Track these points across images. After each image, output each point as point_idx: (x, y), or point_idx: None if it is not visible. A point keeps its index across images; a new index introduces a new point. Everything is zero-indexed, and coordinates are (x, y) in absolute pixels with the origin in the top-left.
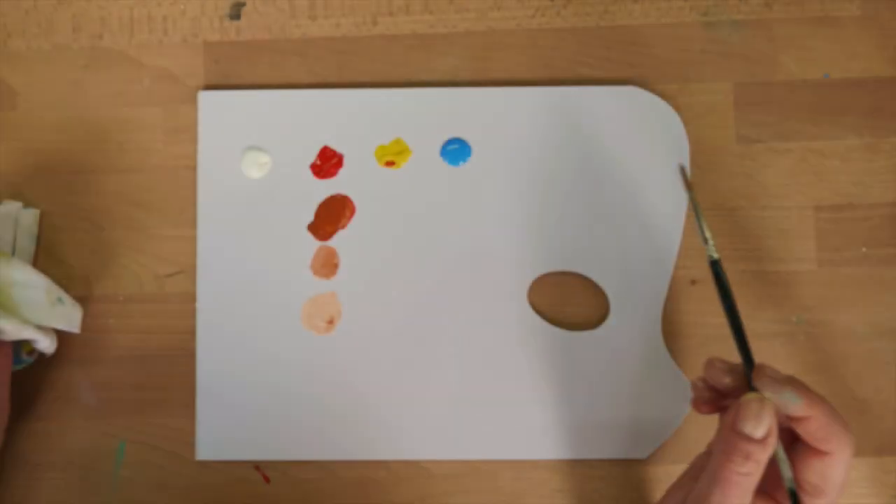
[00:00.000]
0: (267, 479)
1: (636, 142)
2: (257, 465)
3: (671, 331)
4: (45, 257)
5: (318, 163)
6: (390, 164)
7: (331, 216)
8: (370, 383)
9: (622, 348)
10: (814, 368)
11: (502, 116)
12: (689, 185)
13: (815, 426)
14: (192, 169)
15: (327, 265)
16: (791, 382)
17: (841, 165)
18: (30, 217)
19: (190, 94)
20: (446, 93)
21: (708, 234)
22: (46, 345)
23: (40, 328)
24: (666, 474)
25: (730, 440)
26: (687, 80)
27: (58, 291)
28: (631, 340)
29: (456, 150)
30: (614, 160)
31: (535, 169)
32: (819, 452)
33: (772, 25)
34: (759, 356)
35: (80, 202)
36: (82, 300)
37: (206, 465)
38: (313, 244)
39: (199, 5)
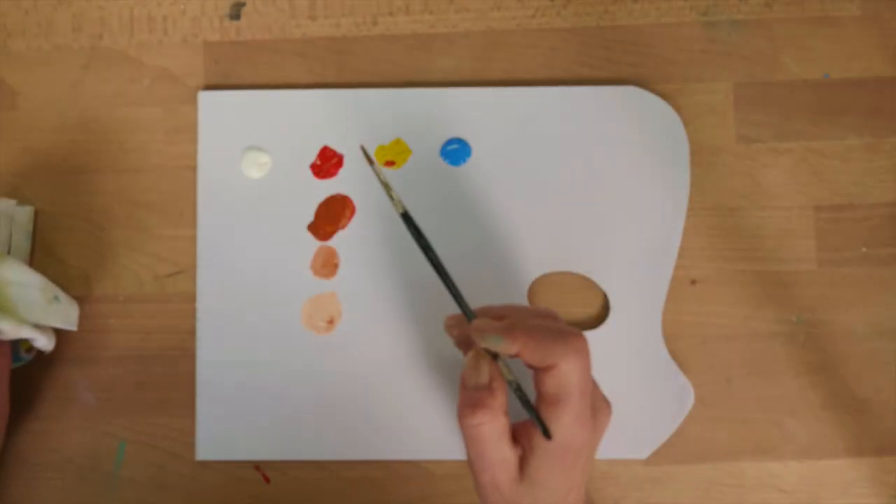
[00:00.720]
0: (267, 479)
1: (636, 142)
2: (257, 465)
3: (671, 331)
4: (46, 257)
5: (318, 163)
6: (390, 164)
7: (331, 216)
8: (370, 383)
9: (622, 348)
10: (814, 368)
11: (502, 116)
12: (370, 161)
13: (528, 356)
14: (192, 169)
15: (327, 265)
16: (494, 328)
17: (841, 165)
18: (25, 215)
19: (190, 94)
20: (446, 93)
21: (393, 192)
22: (44, 343)
23: (38, 327)
24: (666, 474)
25: (461, 398)
26: (687, 80)
27: (54, 289)
28: (631, 340)
29: (456, 150)
30: (614, 160)
31: (535, 169)
32: (546, 368)
33: (772, 25)
34: (759, 356)
35: (81, 202)
36: (82, 300)
37: (206, 465)
38: (313, 244)
39: (199, 5)
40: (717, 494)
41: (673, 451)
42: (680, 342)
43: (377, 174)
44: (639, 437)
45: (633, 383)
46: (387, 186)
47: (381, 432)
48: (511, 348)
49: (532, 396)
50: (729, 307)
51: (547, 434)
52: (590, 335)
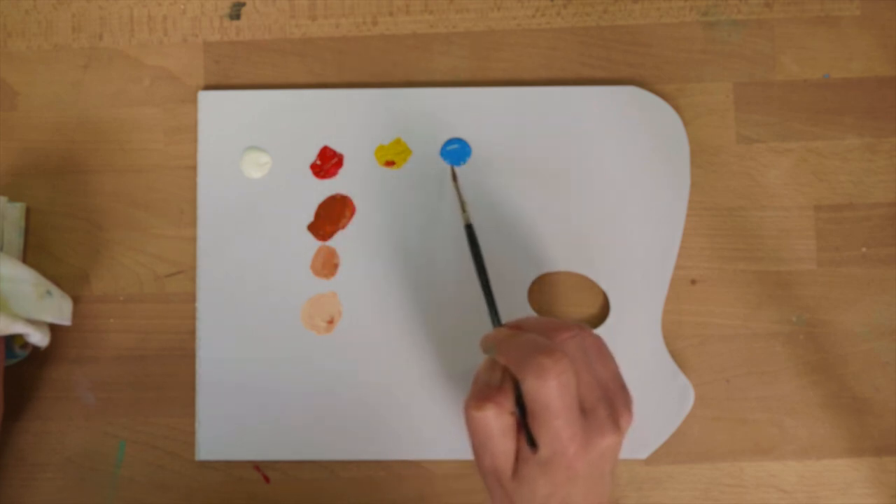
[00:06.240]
0: (267, 479)
1: (636, 142)
2: (257, 465)
3: (671, 331)
4: (45, 257)
5: (318, 163)
6: (390, 164)
7: (331, 216)
8: (370, 383)
9: (622, 348)
10: (814, 368)
11: (502, 116)
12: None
13: (510, 367)
14: (192, 169)
15: (327, 265)
16: (495, 338)
17: (841, 165)
18: (16, 211)
19: (190, 94)
20: (446, 93)
21: (464, 202)
22: (39, 338)
23: (31, 322)
24: (666, 474)
25: (471, 390)
26: (687, 80)
27: (46, 284)
28: (631, 340)
29: (456, 150)
30: (614, 160)
31: (535, 169)
32: (521, 382)
33: (772, 25)
34: (758, 356)
35: (81, 202)
36: (82, 300)
37: (206, 465)
38: (313, 244)
39: (199, 5)
40: (717, 494)
41: (673, 451)
42: (680, 342)
43: (458, 192)
44: (639, 437)
45: (633, 383)
46: (463, 204)
47: (381, 432)
48: (500, 359)
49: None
50: (729, 307)
51: (531, 443)
52: None
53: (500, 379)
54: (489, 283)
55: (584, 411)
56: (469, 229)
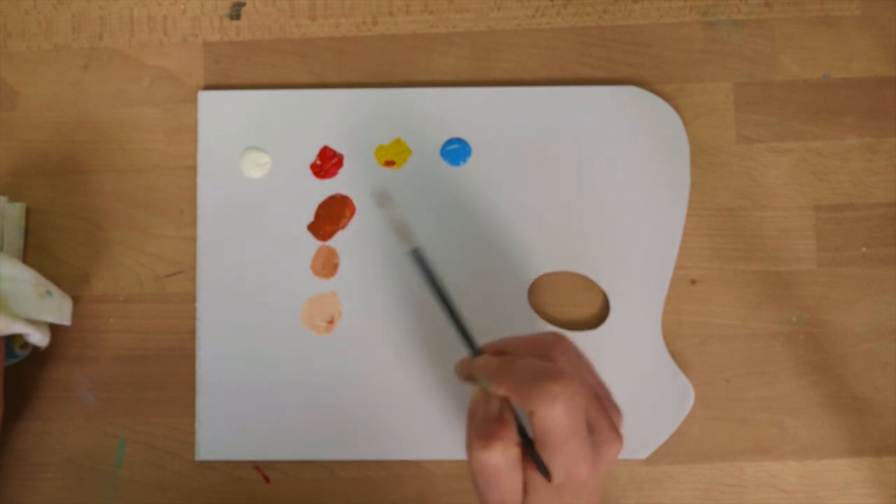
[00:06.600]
0: (267, 479)
1: (636, 142)
2: (257, 465)
3: (671, 331)
4: (45, 257)
5: (318, 163)
6: (390, 164)
7: (331, 216)
8: (370, 383)
9: (622, 348)
10: (814, 368)
11: (502, 116)
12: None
13: (514, 400)
14: (192, 169)
15: (327, 265)
16: (488, 369)
17: (841, 165)
18: (16, 211)
19: (190, 94)
20: (446, 93)
21: (404, 226)
22: (38, 338)
23: (31, 322)
24: (666, 474)
25: (470, 429)
26: (687, 80)
27: (46, 284)
28: (631, 340)
29: (456, 150)
30: (614, 160)
31: (535, 169)
32: (529, 413)
33: (772, 25)
34: (758, 356)
35: (81, 202)
36: (82, 300)
37: (206, 465)
38: (313, 244)
39: (199, 5)
40: (717, 494)
41: (673, 451)
42: (680, 342)
43: (392, 217)
44: (639, 437)
45: (633, 383)
46: (402, 228)
47: (381, 432)
48: (499, 391)
49: None
50: (729, 307)
51: (545, 474)
52: (590, 335)
53: (498, 410)
54: (455, 309)
55: (590, 426)
56: (416, 254)
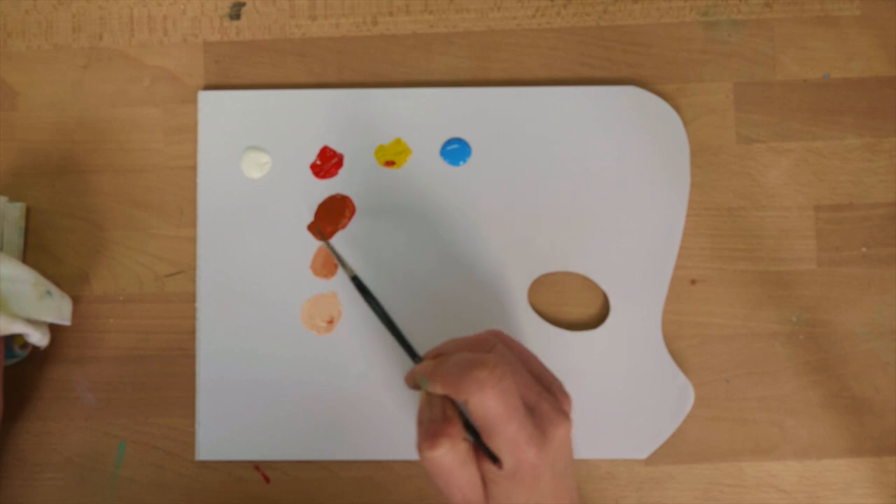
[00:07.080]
0: (267, 479)
1: (636, 142)
2: (257, 465)
3: (671, 331)
4: (45, 257)
5: (318, 163)
6: (390, 164)
7: (331, 216)
8: (370, 383)
9: (622, 348)
10: (814, 368)
11: (502, 116)
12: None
13: (450, 394)
14: (192, 169)
15: (327, 265)
16: (423, 370)
17: (841, 165)
18: (16, 211)
19: (190, 94)
20: (446, 93)
21: (344, 260)
22: (38, 338)
23: (31, 322)
24: (666, 474)
25: (418, 433)
26: (687, 80)
27: (46, 284)
28: (631, 340)
29: (456, 150)
30: (614, 160)
31: (535, 169)
32: (465, 403)
33: (772, 25)
34: (758, 356)
35: (81, 202)
36: (82, 300)
37: (206, 465)
38: (313, 244)
39: (199, 5)
40: (717, 494)
41: (673, 451)
42: (680, 342)
43: (332, 250)
44: (639, 437)
45: (633, 383)
46: (340, 259)
47: (381, 432)
48: (436, 389)
49: None
50: (729, 307)
51: (494, 460)
52: (590, 335)
53: (441, 410)
54: (395, 324)
55: (531, 410)
56: (356, 280)
